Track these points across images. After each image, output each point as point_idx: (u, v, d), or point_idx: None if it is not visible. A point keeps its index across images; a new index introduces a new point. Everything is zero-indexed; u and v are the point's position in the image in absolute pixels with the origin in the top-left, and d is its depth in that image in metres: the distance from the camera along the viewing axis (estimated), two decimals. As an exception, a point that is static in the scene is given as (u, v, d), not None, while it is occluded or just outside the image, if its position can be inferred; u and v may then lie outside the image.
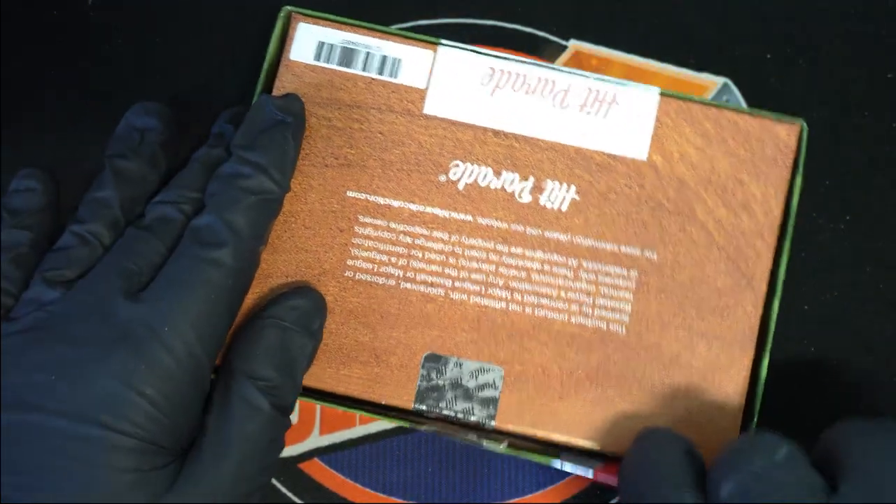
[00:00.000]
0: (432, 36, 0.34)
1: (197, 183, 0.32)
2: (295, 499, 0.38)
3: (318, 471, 0.38)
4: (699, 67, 0.40)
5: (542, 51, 0.40)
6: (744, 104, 0.39)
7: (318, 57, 0.34)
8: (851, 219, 0.39)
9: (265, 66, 0.34)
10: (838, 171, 0.39)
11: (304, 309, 0.32)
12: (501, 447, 0.32)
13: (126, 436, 0.28)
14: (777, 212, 0.33)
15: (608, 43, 0.40)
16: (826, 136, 0.39)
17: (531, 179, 0.33)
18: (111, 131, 0.39)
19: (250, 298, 0.33)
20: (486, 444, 0.33)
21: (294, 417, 0.38)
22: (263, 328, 0.31)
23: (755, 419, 0.32)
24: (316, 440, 0.38)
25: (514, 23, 0.40)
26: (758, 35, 0.40)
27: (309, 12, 0.34)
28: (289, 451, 0.38)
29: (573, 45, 0.40)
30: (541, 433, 0.32)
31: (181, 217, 0.31)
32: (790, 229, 0.33)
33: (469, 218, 0.33)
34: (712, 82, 0.40)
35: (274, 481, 0.38)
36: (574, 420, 0.32)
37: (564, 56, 0.40)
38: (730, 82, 0.40)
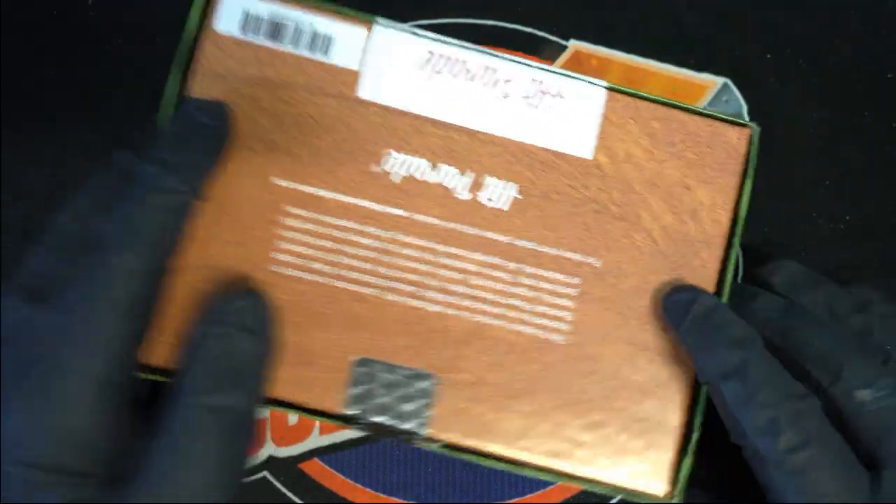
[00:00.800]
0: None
1: (109, 180, 0.30)
2: (295, 499, 0.38)
3: (318, 471, 0.38)
4: (699, 67, 0.40)
5: (542, 51, 0.40)
6: (744, 104, 0.39)
7: (244, 30, 0.31)
8: (851, 219, 0.39)
9: (184, 38, 0.31)
10: (838, 171, 0.39)
11: (244, 310, 0.29)
12: (435, 446, 0.31)
13: (41, 470, 0.26)
14: (725, 220, 0.31)
15: (608, 43, 0.40)
16: (826, 136, 0.39)
17: (470, 175, 0.31)
18: (111, 131, 0.39)
19: (182, 298, 0.30)
20: (419, 444, 0.32)
21: (294, 417, 0.38)
22: (200, 339, 0.28)
23: (694, 436, 0.31)
24: (316, 440, 0.38)
25: (514, 23, 0.40)
26: (758, 35, 0.40)
27: None
28: (289, 451, 0.38)
29: (573, 45, 0.40)
30: (474, 443, 0.31)
31: (82, 216, 0.29)
32: (737, 239, 0.31)
33: (403, 213, 0.31)
34: (712, 82, 0.40)
35: (274, 481, 0.38)
36: (509, 431, 0.31)
37: (564, 56, 0.40)
38: (730, 82, 0.40)
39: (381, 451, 0.38)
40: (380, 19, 0.31)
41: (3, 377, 0.27)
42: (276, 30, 0.31)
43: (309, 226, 0.31)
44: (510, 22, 0.40)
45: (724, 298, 0.31)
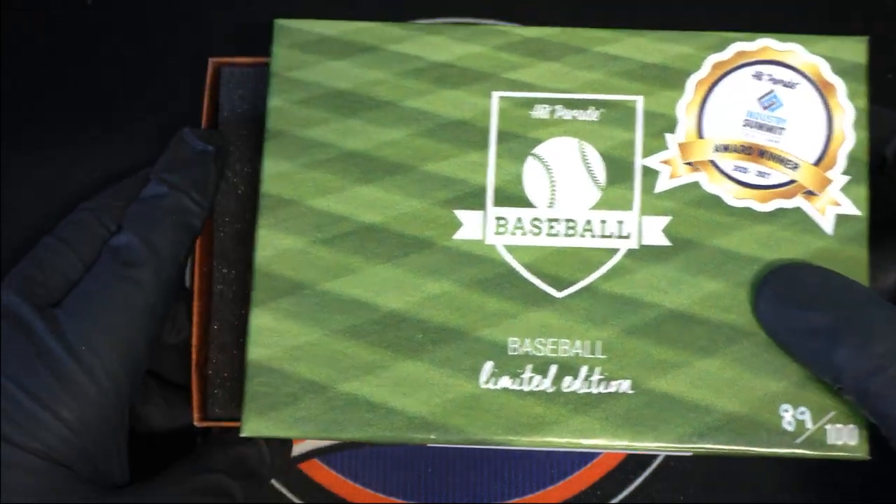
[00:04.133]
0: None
1: (122, 196, 0.31)
2: (295, 499, 0.38)
3: (318, 471, 0.38)
4: (699, 67, 0.40)
5: (542, 51, 0.40)
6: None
7: None
8: (852, 219, 0.39)
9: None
10: (838, 171, 0.39)
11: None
12: None
13: (35, 455, 0.27)
14: None
15: (608, 43, 0.40)
16: (826, 136, 0.39)
17: None
18: (110, 131, 0.39)
19: None
20: None
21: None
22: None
23: None
24: (315, 441, 0.38)
25: (514, 23, 0.40)
26: (758, 34, 0.40)
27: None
28: (289, 451, 0.38)
29: (573, 44, 0.40)
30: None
31: (97, 224, 0.30)
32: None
33: None
34: (712, 82, 0.40)
35: (274, 481, 0.38)
36: None
37: (564, 56, 0.40)
38: (730, 82, 0.40)
39: (381, 452, 0.38)
40: None
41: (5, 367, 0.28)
42: None
43: None
44: (510, 22, 0.40)
45: None
